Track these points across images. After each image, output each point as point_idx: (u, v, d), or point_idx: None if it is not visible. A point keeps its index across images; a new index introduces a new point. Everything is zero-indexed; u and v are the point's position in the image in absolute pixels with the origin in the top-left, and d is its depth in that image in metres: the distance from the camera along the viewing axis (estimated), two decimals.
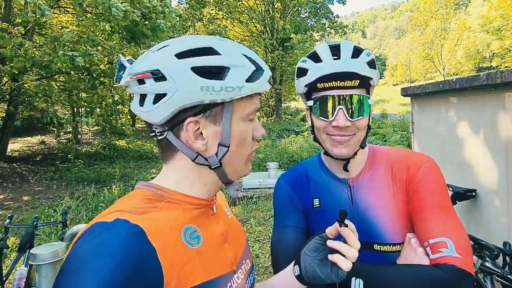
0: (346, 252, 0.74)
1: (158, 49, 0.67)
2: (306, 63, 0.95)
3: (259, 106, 0.73)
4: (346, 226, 0.76)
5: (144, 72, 0.64)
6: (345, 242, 0.76)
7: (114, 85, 0.70)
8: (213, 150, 0.69)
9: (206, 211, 0.73)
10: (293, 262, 0.84)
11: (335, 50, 0.92)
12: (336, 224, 0.76)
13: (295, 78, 1.00)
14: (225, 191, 6.45)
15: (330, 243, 0.77)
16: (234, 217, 0.89)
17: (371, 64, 0.92)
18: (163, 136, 0.68)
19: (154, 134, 0.70)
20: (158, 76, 0.63)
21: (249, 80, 0.66)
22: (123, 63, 0.67)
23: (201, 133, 0.67)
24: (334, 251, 0.76)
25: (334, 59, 0.90)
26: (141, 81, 0.65)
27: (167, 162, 0.72)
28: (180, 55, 0.64)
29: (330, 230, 0.78)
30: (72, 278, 0.50)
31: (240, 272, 0.75)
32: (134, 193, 0.69)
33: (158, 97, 0.63)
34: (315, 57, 0.94)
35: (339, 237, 0.77)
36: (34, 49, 7.13)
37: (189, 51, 0.65)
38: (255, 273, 0.91)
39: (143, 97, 0.66)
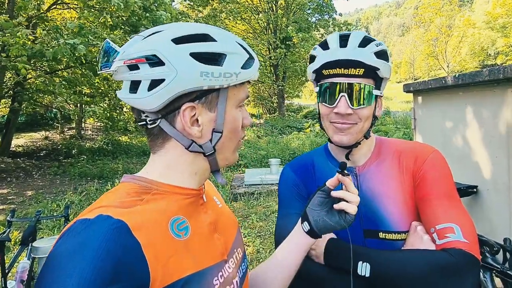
0: (350, 198, 0.80)
1: (150, 34, 0.66)
2: (316, 50, 0.97)
3: (248, 94, 0.75)
4: (348, 175, 0.81)
5: (138, 57, 0.62)
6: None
7: (98, 72, 0.68)
8: (207, 137, 0.68)
9: (195, 200, 0.72)
10: (299, 221, 0.86)
11: (345, 39, 0.93)
12: (338, 175, 0.82)
13: (308, 64, 1.01)
14: (223, 187, 6.48)
15: (334, 193, 0.82)
16: (226, 206, 0.88)
17: (380, 54, 0.91)
18: (155, 124, 0.66)
19: (143, 122, 0.67)
20: (154, 62, 0.61)
21: (244, 67, 0.68)
22: (112, 47, 0.65)
23: (197, 120, 0.67)
24: (337, 200, 0.81)
25: (341, 46, 0.91)
26: (133, 67, 0.62)
27: (156, 151, 0.71)
28: (178, 41, 0.63)
29: (331, 182, 0.83)
30: (54, 279, 0.49)
31: (231, 262, 0.74)
32: (120, 187, 0.67)
33: (154, 83, 0.62)
34: (324, 45, 0.96)
35: (338, 188, 0.83)
36: (35, 40, 7.08)
37: (186, 37, 0.64)
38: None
39: (135, 84, 0.63)
